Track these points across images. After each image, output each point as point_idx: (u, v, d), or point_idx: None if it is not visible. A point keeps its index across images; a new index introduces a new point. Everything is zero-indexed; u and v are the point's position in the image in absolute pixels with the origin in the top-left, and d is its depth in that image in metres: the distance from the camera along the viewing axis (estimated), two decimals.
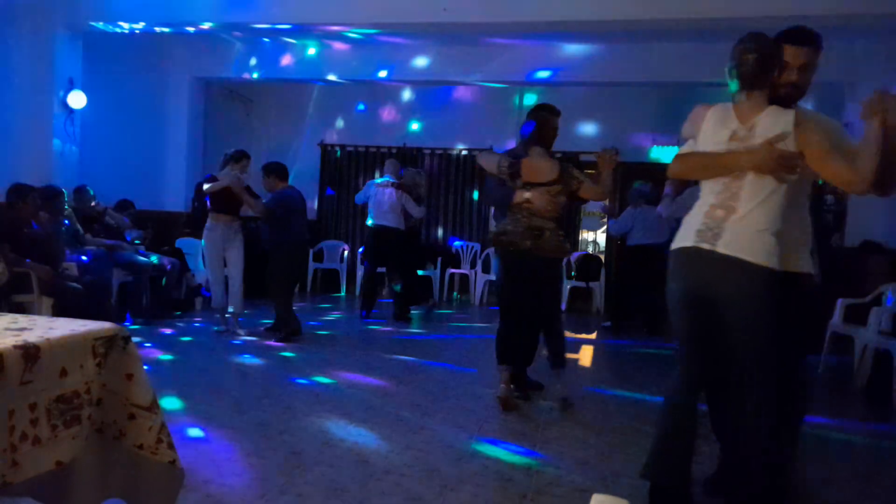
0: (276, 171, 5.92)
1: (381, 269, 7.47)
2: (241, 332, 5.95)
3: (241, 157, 5.94)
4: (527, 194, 3.94)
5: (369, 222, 7.24)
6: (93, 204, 6.47)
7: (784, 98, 2.45)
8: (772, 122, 2.36)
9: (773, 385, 2.40)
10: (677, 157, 2.61)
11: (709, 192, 2.48)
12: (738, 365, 2.45)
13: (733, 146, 2.40)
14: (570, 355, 5.38)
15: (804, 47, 2.46)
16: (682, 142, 2.68)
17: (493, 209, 4.85)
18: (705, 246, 2.42)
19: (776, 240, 2.36)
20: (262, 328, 6.10)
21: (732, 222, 2.39)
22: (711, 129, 2.47)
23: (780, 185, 2.35)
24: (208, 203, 5.92)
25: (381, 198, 7.12)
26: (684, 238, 2.51)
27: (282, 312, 5.81)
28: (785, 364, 2.47)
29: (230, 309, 5.96)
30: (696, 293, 2.49)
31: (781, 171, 2.31)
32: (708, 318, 2.47)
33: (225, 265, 5.97)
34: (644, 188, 7.14)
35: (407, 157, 9.52)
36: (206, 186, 5.83)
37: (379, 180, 7.32)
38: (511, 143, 9.34)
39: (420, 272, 9.08)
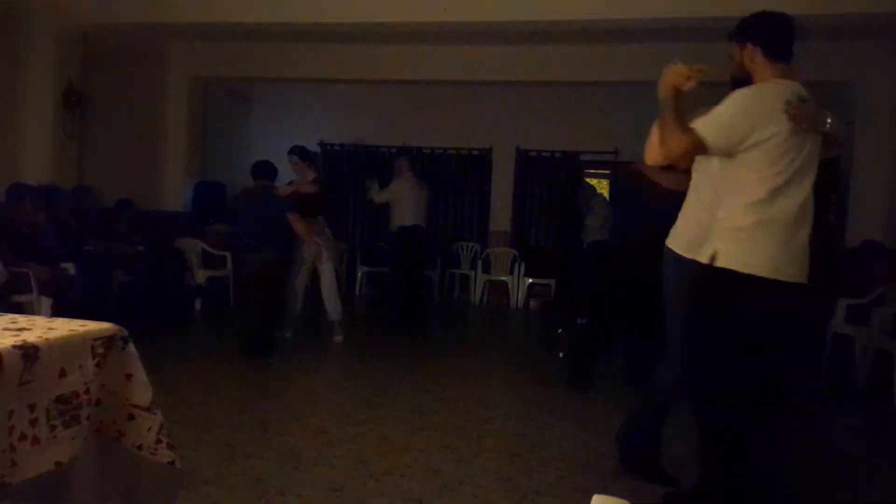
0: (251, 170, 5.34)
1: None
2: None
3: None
4: None
5: (407, 223, 6.73)
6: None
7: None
8: None
9: (692, 378, 2.51)
10: None
11: None
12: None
13: None
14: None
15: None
16: None
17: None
18: None
19: (683, 224, 2.62)
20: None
21: None
22: None
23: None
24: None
25: (419, 195, 6.84)
26: None
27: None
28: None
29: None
30: None
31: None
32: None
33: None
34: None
35: (407, 156, 9.50)
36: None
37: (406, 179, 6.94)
38: (511, 142, 9.36)
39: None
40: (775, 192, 2.22)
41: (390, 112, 9.69)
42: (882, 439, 3.96)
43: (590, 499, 1.40)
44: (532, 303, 8.92)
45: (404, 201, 6.81)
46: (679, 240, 2.64)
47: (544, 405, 4.15)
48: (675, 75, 2.25)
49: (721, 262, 2.26)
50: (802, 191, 2.26)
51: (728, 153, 2.27)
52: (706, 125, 2.25)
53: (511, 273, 8.87)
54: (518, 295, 8.76)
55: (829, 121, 2.28)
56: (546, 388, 4.59)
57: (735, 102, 2.27)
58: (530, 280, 8.82)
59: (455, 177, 9.55)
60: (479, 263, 9.08)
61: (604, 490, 2.84)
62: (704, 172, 2.56)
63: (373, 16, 6.22)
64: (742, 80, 2.36)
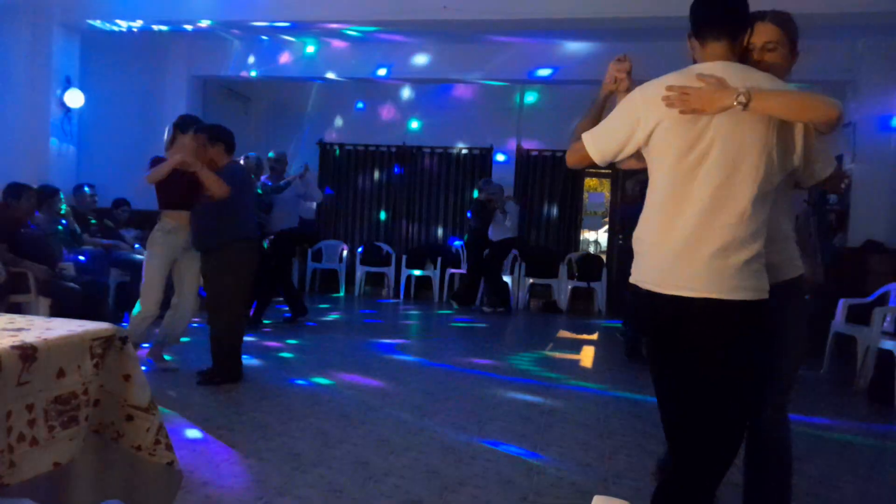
0: (224, 138, 4.36)
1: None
2: (171, 365, 4.65)
3: (190, 124, 4.47)
4: None
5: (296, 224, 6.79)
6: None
7: None
8: None
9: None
10: None
11: None
12: None
13: None
14: (572, 356, 5.38)
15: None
16: None
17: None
18: None
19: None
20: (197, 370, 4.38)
21: None
22: None
23: None
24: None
25: None
26: None
27: (221, 343, 4.31)
28: None
29: (162, 338, 4.61)
30: None
31: None
32: None
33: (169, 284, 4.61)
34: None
35: (406, 155, 9.52)
36: (151, 173, 4.39)
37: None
38: (511, 142, 9.35)
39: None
40: None
41: (390, 112, 9.69)
42: (883, 439, 3.96)
43: (590, 500, 1.39)
44: (531, 303, 8.91)
45: (299, 201, 6.83)
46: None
47: (544, 406, 4.14)
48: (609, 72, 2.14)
49: None
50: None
51: None
52: None
53: (511, 273, 8.86)
54: (518, 295, 8.75)
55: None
56: (546, 388, 4.58)
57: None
58: (531, 280, 8.81)
59: (455, 177, 9.55)
60: None
61: (604, 491, 2.83)
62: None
63: (373, 15, 6.21)
64: None
